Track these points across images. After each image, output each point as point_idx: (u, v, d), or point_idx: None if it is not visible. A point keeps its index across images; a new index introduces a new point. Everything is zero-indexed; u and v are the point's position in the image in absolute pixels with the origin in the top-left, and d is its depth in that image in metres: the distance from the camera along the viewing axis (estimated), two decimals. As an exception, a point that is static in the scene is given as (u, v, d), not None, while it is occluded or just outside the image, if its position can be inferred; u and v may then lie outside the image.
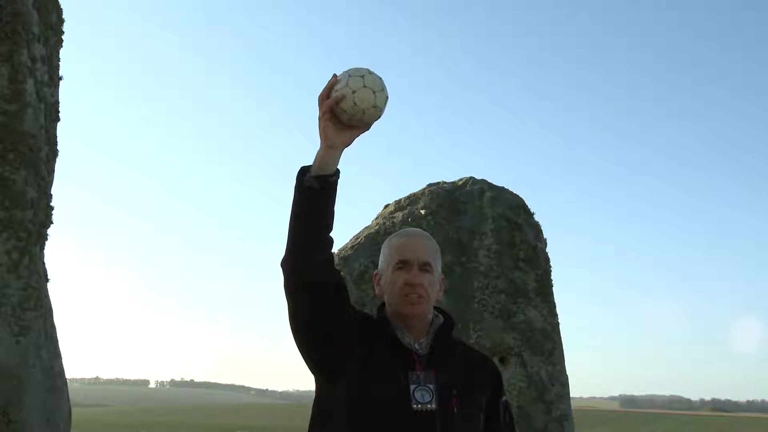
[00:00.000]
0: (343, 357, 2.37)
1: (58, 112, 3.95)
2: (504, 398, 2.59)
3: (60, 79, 4.00)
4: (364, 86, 2.17)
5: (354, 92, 2.16)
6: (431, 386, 2.39)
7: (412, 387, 2.37)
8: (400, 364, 2.41)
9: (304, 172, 2.29)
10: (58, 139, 3.93)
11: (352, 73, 2.21)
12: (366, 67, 2.21)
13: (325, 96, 2.24)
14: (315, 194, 2.30)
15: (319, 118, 2.24)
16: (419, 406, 2.35)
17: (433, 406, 2.36)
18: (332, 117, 2.24)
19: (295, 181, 2.33)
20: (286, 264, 2.31)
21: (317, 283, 2.31)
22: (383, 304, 2.58)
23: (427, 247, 2.53)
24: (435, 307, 2.53)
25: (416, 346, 2.45)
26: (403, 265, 2.47)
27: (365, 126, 2.24)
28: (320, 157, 2.29)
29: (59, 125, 3.96)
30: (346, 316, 2.37)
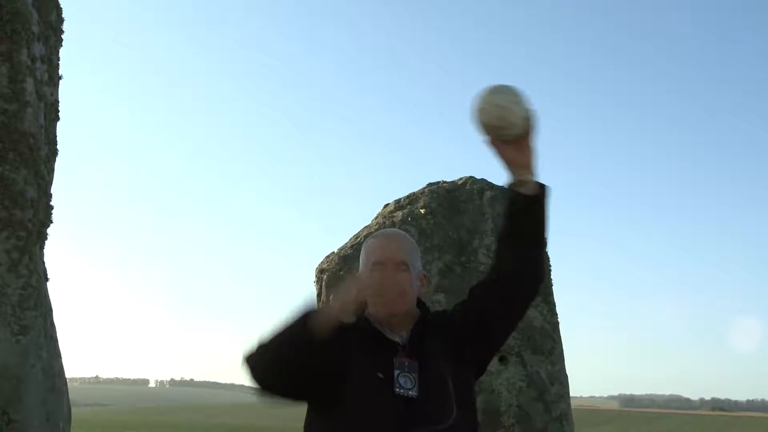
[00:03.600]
0: (338, 373, 2.40)
1: (58, 111, 3.96)
2: (448, 311, 2.65)
3: (60, 78, 4.00)
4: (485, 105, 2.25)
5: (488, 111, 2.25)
6: (414, 375, 2.42)
7: (396, 372, 2.40)
8: (385, 353, 2.44)
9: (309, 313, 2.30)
10: (58, 139, 3.94)
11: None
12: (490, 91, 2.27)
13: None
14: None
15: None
16: (401, 390, 2.38)
17: (414, 393, 2.39)
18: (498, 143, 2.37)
19: (300, 314, 2.31)
20: (254, 370, 2.41)
21: (286, 377, 2.36)
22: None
23: (402, 246, 2.56)
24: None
25: (398, 338, 2.48)
26: (379, 266, 2.50)
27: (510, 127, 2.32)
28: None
29: (59, 124, 3.96)
30: (317, 358, 2.38)
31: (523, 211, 2.50)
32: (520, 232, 2.53)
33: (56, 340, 3.78)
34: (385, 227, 4.75)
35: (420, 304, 2.58)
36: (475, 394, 2.56)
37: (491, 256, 4.60)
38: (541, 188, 2.47)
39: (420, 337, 2.51)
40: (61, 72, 4.01)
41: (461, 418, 2.51)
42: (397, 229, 2.98)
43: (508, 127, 2.29)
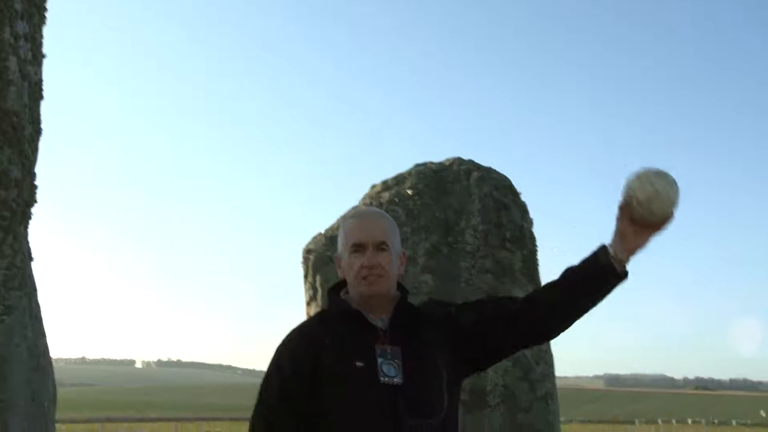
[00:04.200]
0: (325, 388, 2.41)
1: (42, 90, 3.92)
2: (450, 306, 2.62)
3: (43, 57, 3.96)
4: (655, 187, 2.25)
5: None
6: (398, 361, 2.40)
7: (379, 360, 2.39)
8: (367, 340, 2.43)
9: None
10: (42, 118, 3.90)
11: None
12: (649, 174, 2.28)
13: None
14: None
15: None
16: (386, 379, 2.36)
17: (399, 380, 2.38)
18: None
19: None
20: None
21: None
22: (336, 286, 2.60)
23: (382, 225, 2.53)
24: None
25: (379, 322, 2.46)
26: (358, 248, 2.47)
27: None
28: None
29: (43, 104, 3.93)
30: (301, 392, 2.42)
31: (597, 280, 2.45)
32: (580, 296, 2.48)
33: (41, 320, 3.76)
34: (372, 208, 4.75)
35: (399, 285, 2.57)
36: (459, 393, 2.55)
37: (478, 236, 4.61)
38: (625, 276, 2.45)
39: (401, 321, 2.50)
40: (44, 51, 3.97)
41: (451, 412, 2.51)
42: (375, 208, 2.96)
43: (648, 210, 2.27)
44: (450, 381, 2.51)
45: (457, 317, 2.59)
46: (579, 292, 2.49)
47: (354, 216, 2.58)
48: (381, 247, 2.47)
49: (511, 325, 2.55)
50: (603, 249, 2.40)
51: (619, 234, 2.39)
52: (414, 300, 2.63)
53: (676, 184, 2.26)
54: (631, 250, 2.41)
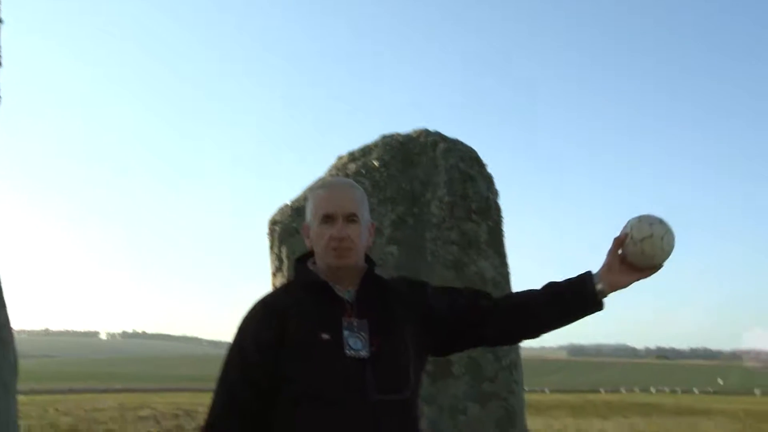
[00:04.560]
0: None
1: (0, 57, 3.84)
2: (428, 287, 2.62)
3: (1, 22, 3.87)
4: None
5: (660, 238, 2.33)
6: (364, 334, 2.39)
7: (345, 333, 2.38)
8: (333, 313, 2.41)
9: None
10: (1, 86, 3.83)
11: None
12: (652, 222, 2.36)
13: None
14: None
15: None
16: (352, 352, 2.35)
17: (365, 353, 2.37)
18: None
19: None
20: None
21: None
22: (304, 256, 2.59)
23: (352, 196, 2.51)
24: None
25: (346, 294, 2.45)
26: (328, 219, 2.45)
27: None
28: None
29: (1, 71, 3.85)
30: (263, 370, 2.42)
31: (576, 305, 2.46)
32: (554, 315, 2.49)
33: (1, 291, 3.71)
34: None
35: (366, 258, 2.56)
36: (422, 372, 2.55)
37: (443, 208, 4.61)
38: (602, 308, 2.46)
39: (368, 293, 2.49)
40: (2, 16, 3.88)
41: (416, 389, 2.51)
42: (345, 178, 2.93)
43: (640, 250, 2.33)
44: (416, 358, 2.51)
45: (430, 299, 2.58)
46: (555, 311, 2.50)
47: (324, 186, 2.55)
48: (351, 218, 2.45)
49: (479, 322, 2.56)
50: (589, 277, 2.43)
51: (607, 266, 2.42)
52: (382, 272, 2.62)
53: (672, 236, 2.34)
54: (613, 286, 2.43)
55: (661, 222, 2.35)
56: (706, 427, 27.02)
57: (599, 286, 2.41)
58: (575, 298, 2.45)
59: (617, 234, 2.39)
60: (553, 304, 2.48)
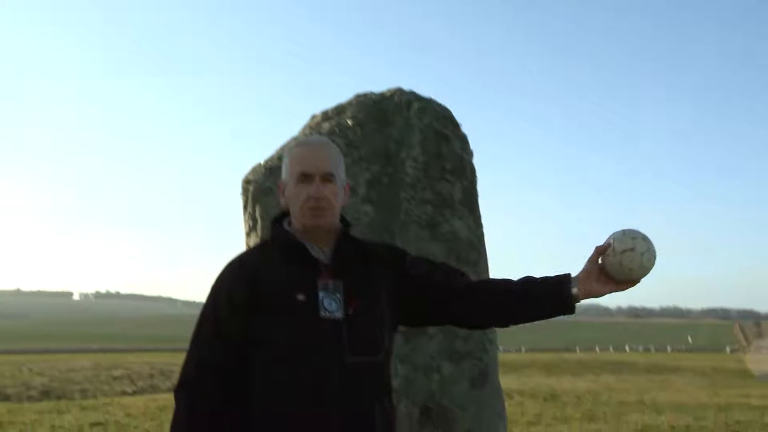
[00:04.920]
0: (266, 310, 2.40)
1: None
2: (408, 256, 2.63)
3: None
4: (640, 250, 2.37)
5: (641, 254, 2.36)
6: (339, 295, 2.40)
7: (320, 294, 2.39)
8: (308, 274, 2.42)
9: None
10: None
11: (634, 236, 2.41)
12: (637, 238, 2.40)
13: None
14: None
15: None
16: (327, 313, 2.37)
17: (340, 314, 2.38)
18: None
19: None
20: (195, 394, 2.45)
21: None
22: (280, 216, 2.59)
23: (329, 156, 2.51)
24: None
25: (321, 255, 2.45)
26: (305, 178, 2.45)
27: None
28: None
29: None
30: (237, 329, 2.43)
31: (548, 306, 2.46)
32: (526, 310, 2.50)
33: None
34: (312, 138, 4.69)
35: (342, 218, 2.56)
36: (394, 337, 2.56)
37: (418, 167, 4.61)
38: (572, 312, 2.45)
39: (344, 254, 2.49)
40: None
41: (389, 353, 2.52)
42: (322, 137, 2.90)
43: (618, 261, 2.36)
44: (390, 322, 2.52)
45: (408, 267, 2.59)
46: (527, 307, 2.53)
47: (301, 144, 2.54)
48: (327, 178, 2.46)
49: (452, 300, 2.57)
50: (567, 280, 2.45)
51: (585, 272, 2.44)
52: (357, 233, 2.62)
53: (653, 255, 2.36)
54: (587, 293, 2.46)
55: (644, 239, 2.40)
56: (675, 384, 27.52)
57: (574, 291, 2.44)
58: (549, 298, 2.47)
59: (602, 238, 2.42)
60: (526, 301, 2.51)
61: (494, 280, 2.61)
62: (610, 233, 2.41)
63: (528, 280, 2.50)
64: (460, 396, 4.39)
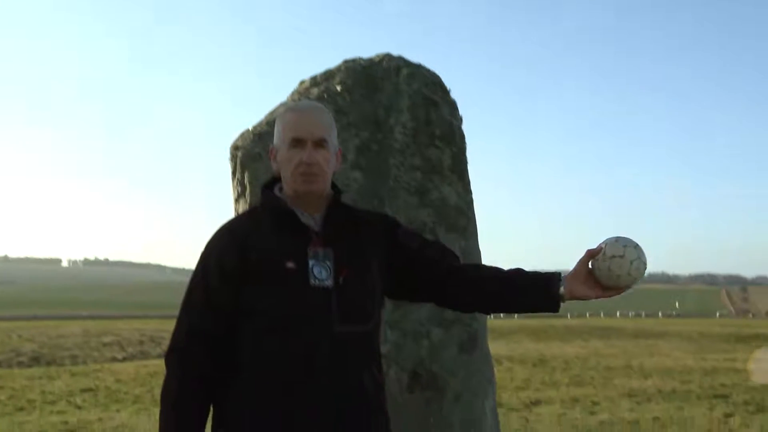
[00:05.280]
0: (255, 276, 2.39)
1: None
2: (401, 228, 2.62)
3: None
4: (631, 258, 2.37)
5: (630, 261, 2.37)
6: (329, 263, 2.38)
7: (311, 263, 2.37)
8: (299, 241, 2.41)
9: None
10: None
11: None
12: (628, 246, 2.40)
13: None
14: None
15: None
16: (316, 281, 2.35)
17: (330, 282, 2.37)
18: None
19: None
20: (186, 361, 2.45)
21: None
22: (271, 182, 2.57)
23: (321, 121, 2.48)
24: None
25: (312, 222, 2.44)
26: (297, 143, 2.42)
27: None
28: None
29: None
30: (227, 296, 2.42)
31: (535, 301, 2.46)
32: (512, 302, 2.50)
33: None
34: (300, 104, 4.65)
35: (333, 185, 2.54)
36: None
37: (407, 134, 4.59)
38: (556, 310, 2.45)
39: (335, 221, 2.47)
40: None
41: (378, 323, 2.52)
42: (315, 102, 2.87)
43: (607, 267, 2.37)
44: (380, 291, 2.51)
45: (400, 238, 2.58)
46: (513, 299, 2.53)
47: (294, 109, 2.51)
48: (320, 144, 2.43)
49: (440, 279, 2.57)
50: (557, 279, 2.45)
51: (574, 273, 2.44)
52: (348, 200, 2.61)
53: (643, 265, 2.37)
54: (572, 294, 2.46)
55: (636, 247, 2.41)
56: (662, 349, 27.77)
57: (561, 290, 2.45)
58: (537, 293, 2.48)
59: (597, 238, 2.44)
60: (514, 292, 2.51)
61: (485, 266, 2.61)
62: (604, 238, 2.44)
63: (518, 273, 2.50)
64: (450, 361, 4.42)
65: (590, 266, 2.41)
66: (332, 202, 2.47)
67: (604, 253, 2.38)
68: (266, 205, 2.48)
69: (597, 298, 2.42)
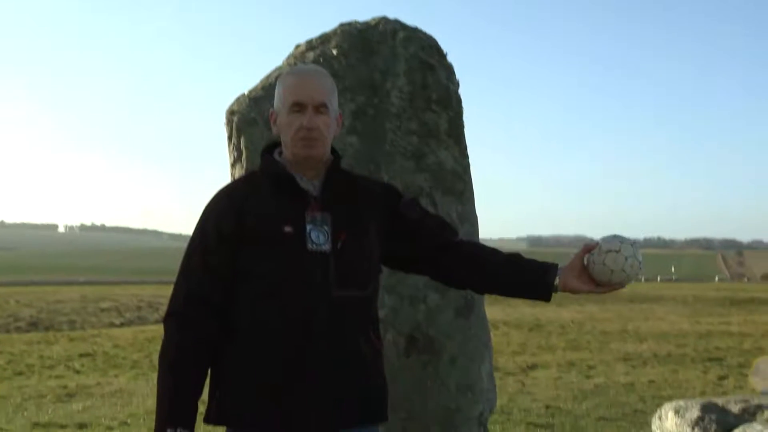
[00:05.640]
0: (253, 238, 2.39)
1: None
2: (404, 198, 2.62)
3: None
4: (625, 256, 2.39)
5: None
6: (327, 227, 2.39)
7: (308, 227, 2.37)
8: (297, 205, 2.40)
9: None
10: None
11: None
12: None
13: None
14: None
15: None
16: (314, 246, 2.36)
17: (327, 247, 2.37)
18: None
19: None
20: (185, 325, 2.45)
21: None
22: (271, 146, 2.56)
23: (322, 86, 2.47)
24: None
25: (311, 187, 2.43)
26: (298, 107, 2.41)
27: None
28: None
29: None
30: (225, 259, 2.42)
31: (529, 288, 2.47)
32: (507, 285, 2.51)
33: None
34: (296, 68, 4.62)
35: (332, 150, 2.53)
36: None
37: (403, 98, 4.57)
38: (548, 299, 2.45)
39: (333, 186, 2.47)
40: None
41: (376, 288, 2.52)
42: (316, 66, 2.85)
43: (601, 261, 2.38)
44: (378, 257, 2.52)
45: (402, 207, 2.58)
46: (509, 281, 2.54)
47: (295, 73, 2.50)
48: (321, 108, 2.42)
49: (437, 250, 2.58)
50: (553, 269, 2.46)
51: (569, 266, 2.45)
52: (343, 164, 2.59)
53: (638, 264, 2.39)
54: (565, 286, 2.47)
55: (632, 245, 2.43)
56: (658, 313, 27.92)
57: (556, 281, 2.47)
58: (533, 280, 2.50)
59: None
60: (510, 275, 2.53)
61: (483, 246, 2.61)
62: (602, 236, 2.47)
63: (516, 258, 2.51)
64: (446, 326, 4.43)
65: (585, 261, 2.43)
66: (332, 168, 2.47)
67: (600, 248, 2.40)
68: (265, 169, 2.47)
69: (589, 293, 2.44)
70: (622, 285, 2.42)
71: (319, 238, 2.33)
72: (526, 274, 2.45)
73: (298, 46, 4.85)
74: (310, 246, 2.32)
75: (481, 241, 5.26)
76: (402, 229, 2.53)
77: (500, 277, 2.49)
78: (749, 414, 7.03)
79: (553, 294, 2.45)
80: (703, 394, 10.89)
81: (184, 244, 2.50)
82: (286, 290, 2.31)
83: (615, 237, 2.40)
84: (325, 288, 2.32)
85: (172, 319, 2.39)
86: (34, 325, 22.37)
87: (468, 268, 2.51)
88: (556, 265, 2.45)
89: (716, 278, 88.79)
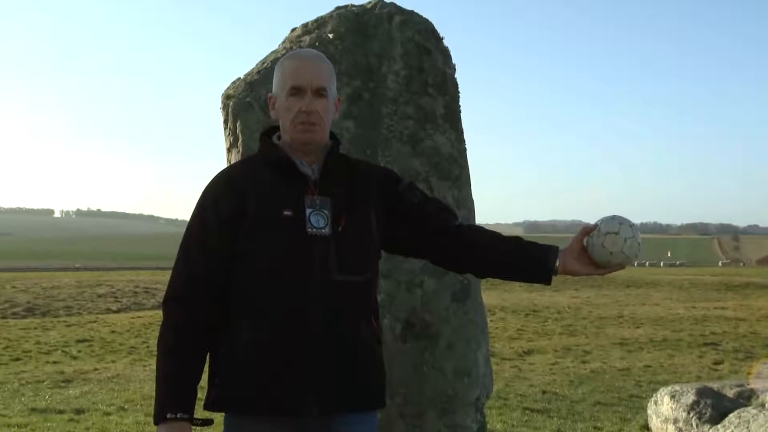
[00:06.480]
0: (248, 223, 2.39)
1: None
2: (403, 183, 2.62)
3: None
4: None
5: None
6: (326, 211, 2.38)
7: (308, 211, 2.37)
8: (296, 190, 2.40)
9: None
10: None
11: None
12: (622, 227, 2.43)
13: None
14: None
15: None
16: (314, 230, 2.35)
17: (327, 231, 2.37)
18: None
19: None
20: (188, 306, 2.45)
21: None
22: (269, 130, 2.55)
23: (321, 70, 2.46)
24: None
25: (310, 171, 2.43)
26: (296, 91, 2.41)
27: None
28: None
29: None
30: (224, 242, 2.41)
31: (530, 271, 2.48)
32: (506, 268, 2.52)
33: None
34: (292, 52, 4.59)
35: (331, 134, 2.53)
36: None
37: (399, 82, 4.55)
38: (548, 283, 2.46)
39: (332, 170, 2.46)
40: None
41: (375, 272, 2.52)
42: (315, 50, 2.84)
43: (600, 243, 2.38)
44: (377, 242, 2.51)
45: (401, 193, 2.58)
46: (509, 265, 2.55)
47: (294, 57, 2.50)
48: (319, 93, 2.42)
49: (437, 235, 2.58)
50: (554, 252, 2.47)
51: (568, 248, 2.46)
52: (340, 148, 2.59)
53: (637, 246, 2.39)
54: (564, 268, 2.48)
55: (631, 226, 2.43)
56: (654, 298, 27.98)
57: (557, 264, 2.47)
58: (534, 264, 2.50)
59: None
60: (510, 259, 2.53)
61: (484, 229, 2.61)
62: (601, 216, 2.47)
63: (517, 241, 2.52)
64: (443, 311, 4.43)
65: (584, 243, 2.43)
66: (331, 152, 2.46)
67: (599, 230, 2.39)
68: (264, 153, 2.47)
69: (588, 275, 2.45)
70: (621, 266, 2.42)
71: (318, 222, 2.33)
72: (527, 257, 2.45)
73: (293, 30, 4.82)
74: (309, 230, 2.31)
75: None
76: (402, 213, 2.52)
77: (501, 261, 2.49)
78: (744, 398, 7.07)
79: (553, 277, 2.46)
80: (698, 378, 10.94)
81: (181, 230, 2.50)
82: (285, 274, 2.30)
83: (614, 218, 2.40)
84: (325, 272, 2.32)
85: (171, 302, 2.38)
86: (30, 311, 22.37)
87: (469, 251, 2.52)
88: (557, 248, 2.45)
89: (719, 263, 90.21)
